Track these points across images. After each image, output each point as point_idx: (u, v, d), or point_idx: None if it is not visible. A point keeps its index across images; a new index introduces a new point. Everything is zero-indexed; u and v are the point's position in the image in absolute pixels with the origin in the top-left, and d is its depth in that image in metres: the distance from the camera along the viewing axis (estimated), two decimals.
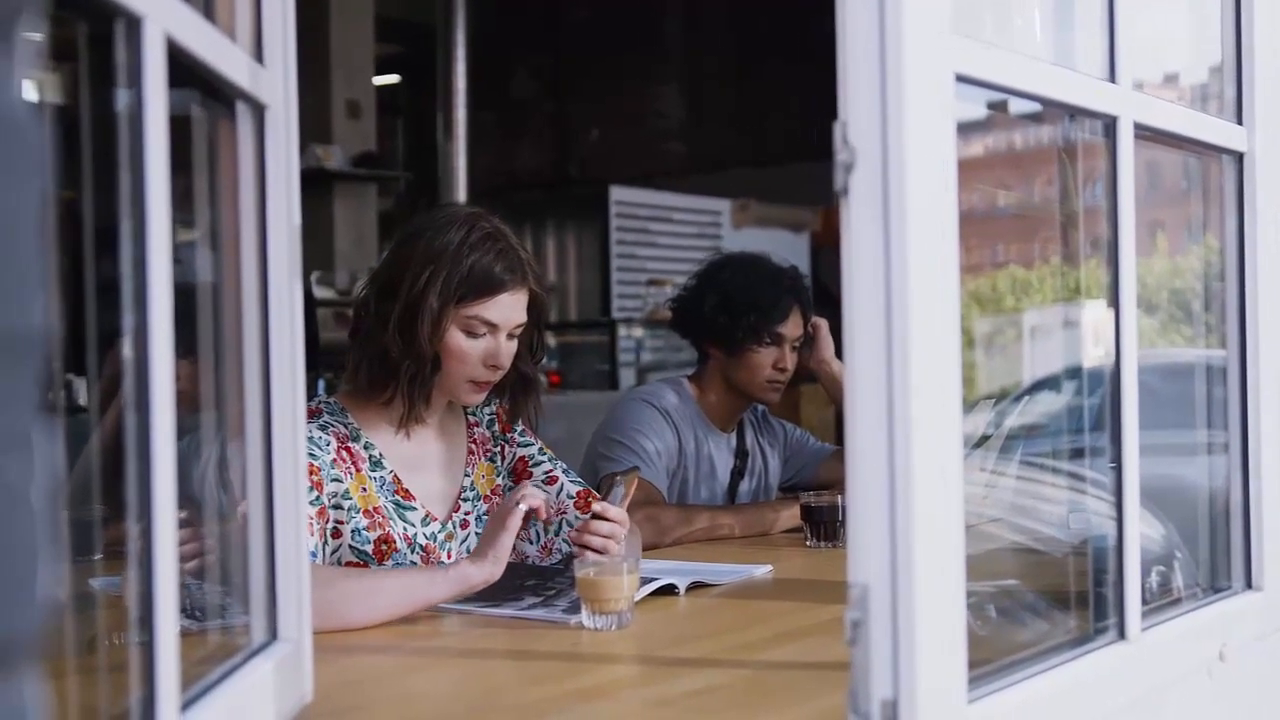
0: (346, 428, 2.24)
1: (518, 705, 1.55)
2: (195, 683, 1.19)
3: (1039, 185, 2.12)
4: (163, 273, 1.03)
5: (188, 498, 1.18)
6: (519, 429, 2.45)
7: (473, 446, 2.40)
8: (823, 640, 1.82)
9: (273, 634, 1.40)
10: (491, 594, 2.06)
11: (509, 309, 2.23)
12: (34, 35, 0.60)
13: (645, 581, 2.07)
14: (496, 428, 2.44)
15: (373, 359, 2.23)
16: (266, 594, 1.39)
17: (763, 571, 2.38)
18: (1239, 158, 1.85)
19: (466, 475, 2.37)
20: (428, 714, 1.58)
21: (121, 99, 1.03)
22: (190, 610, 1.34)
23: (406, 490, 2.26)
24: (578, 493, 2.38)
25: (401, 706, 1.62)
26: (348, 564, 2.17)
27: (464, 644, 1.84)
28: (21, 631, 0.57)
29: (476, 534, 2.33)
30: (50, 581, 0.59)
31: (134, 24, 1.00)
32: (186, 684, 1.10)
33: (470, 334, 2.21)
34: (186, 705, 1.11)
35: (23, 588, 0.57)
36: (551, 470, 2.42)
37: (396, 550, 2.21)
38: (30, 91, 0.59)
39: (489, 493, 2.39)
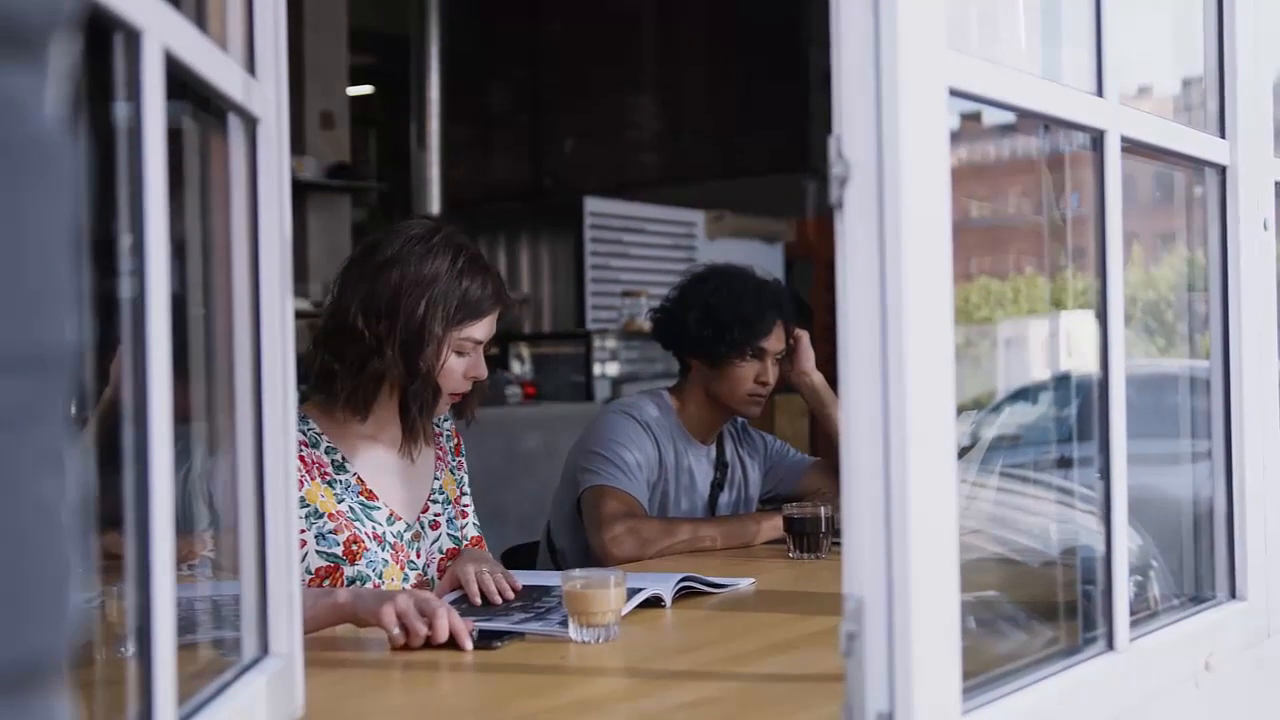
0: (305, 434, 2.28)
1: (510, 719, 1.55)
2: (188, 699, 1.18)
3: (1012, 197, 2.13)
4: (160, 284, 1.02)
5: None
6: (463, 453, 2.56)
7: (439, 454, 2.47)
8: (811, 652, 1.82)
9: (264, 649, 1.39)
10: (481, 611, 2.06)
11: (491, 326, 2.34)
12: (66, 51, 0.60)
13: (632, 593, 2.07)
14: (452, 444, 2.53)
15: (370, 381, 2.26)
16: (258, 609, 1.39)
17: (747, 584, 2.38)
18: (1222, 170, 1.86)
19: (436, 479, 2.44)
20: None
21: (119, 111, 1.02)
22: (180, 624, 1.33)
23: (370, 491, 2.31)
24: (473, 537, 2.49)
25: None
26: (317, 570, 2.19)
27: (453, 658, 1.83)
28: (55, 648, 0.57)
29: (449, 534, 2.41)
30: (79, 599, 0.59)
31: (133, 37, 0.99)
32: (179, 699, 1.09)
33: (459, 353, 2.30)
34: None
35: (57, 605, 0.57)
36: (468, 506, 2.53)
37: (367, 549, 2.25)
38: (62, 108, 0.59)
39: (455, 499, 2.47)
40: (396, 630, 1.85)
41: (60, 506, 0.57)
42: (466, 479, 2.55)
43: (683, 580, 2.22)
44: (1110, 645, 1.55)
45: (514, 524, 4.90)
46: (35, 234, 0.56)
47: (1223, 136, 1.87)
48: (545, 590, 2.21)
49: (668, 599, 2.15)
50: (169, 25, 1.06)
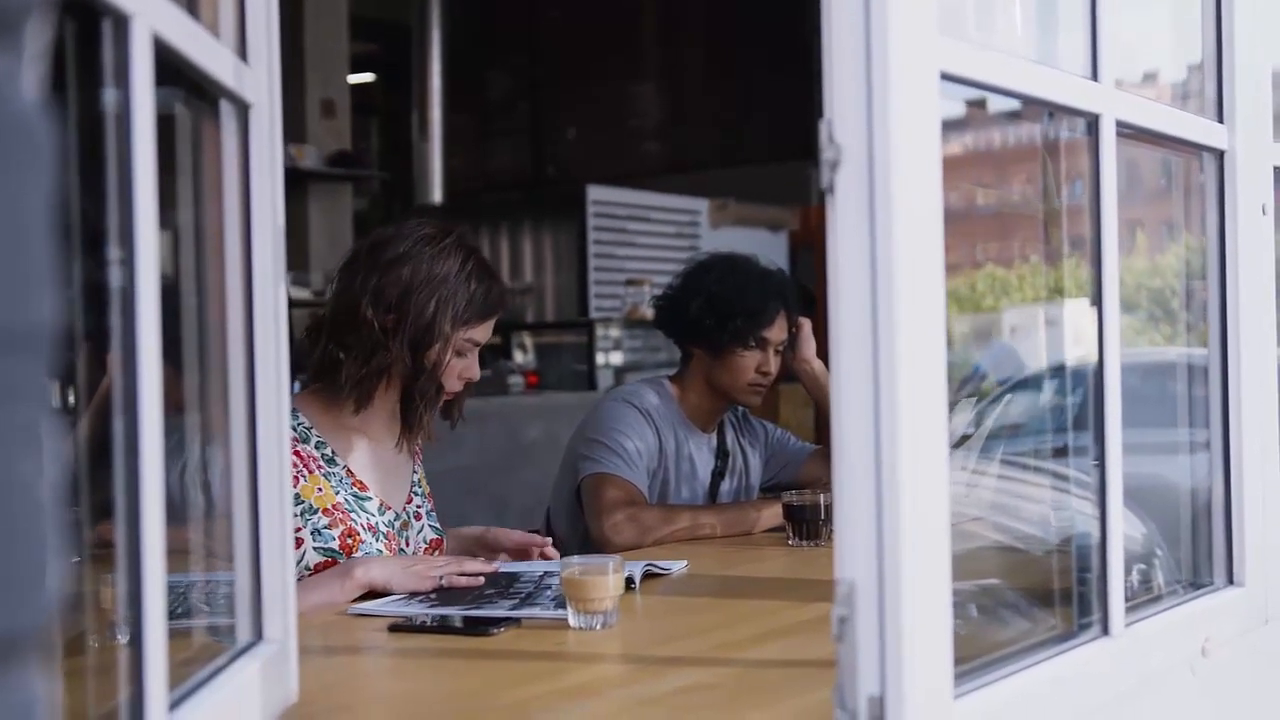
0: (295, 429, 2.29)
1: (504, 705, 1.55)
2: (181, 683, 1.18)
3: (1017, 184, 2.13)
4: (150, 273, 1.02)
5: (168, 499, 1.17)
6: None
7: (417, 450, 2.51)
8: (807, 638, 1.82)
9: (258, 634, 1.39)
10: (465, 600, 2.06)
11: (490, 329, 2.40)
12: (41, 33, 0.60)
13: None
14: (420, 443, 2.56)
15: (374, 373, 2.29)
16: (251, 595, 1.39)
17: (679, 567, 2.39)
18: (1219, 155, 1.86)
19: (415, 472, 2.49)
20: (413, 714, 1.58)
21: (108, 97, 1.02)
22: (174, 610, 1.34)
23: (361, 482, 2.35)
24: (432, 540, 2.49)
25: (386, 707, 1.62)
26: (316, 565, 2.20)
27: (449, 644, 1.83)
28: (32, 626, 0.57)
29: (430, 525, 2.47)
30: (58, 576, 0.60)
31: (122, 22, 0.99)
32: (172, 684, 1.10)
33: (459, 354, 2.34)
34: (174, 705, 1.11)
35: (33, 583, 0.57)
36: (430, 505, 2.55)
37: (363, 542, 2.29)
38: (38, 89, 0.59)
39: (429, 493, 2.53)
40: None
41: (38, 484, 0.58)
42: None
43: (647, 565, 2.28)
44: (1105, 630, 1.55)
45: (515, 513, 4.91)
46: (11, 214, 0.56)
47: (1221, 121, 1.86)
48: (515, 576, 2.22)
49: (637, 580, 2.19)
50: (158, 10, 1.06)
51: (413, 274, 2.28)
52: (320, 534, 2.24)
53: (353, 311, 2.28)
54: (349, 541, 2.26)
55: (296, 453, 2.26)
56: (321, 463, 2.30)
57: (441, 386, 2.33)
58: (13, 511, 0.56)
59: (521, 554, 2.45)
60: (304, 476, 2.25)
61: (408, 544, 2.40)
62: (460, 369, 2.35)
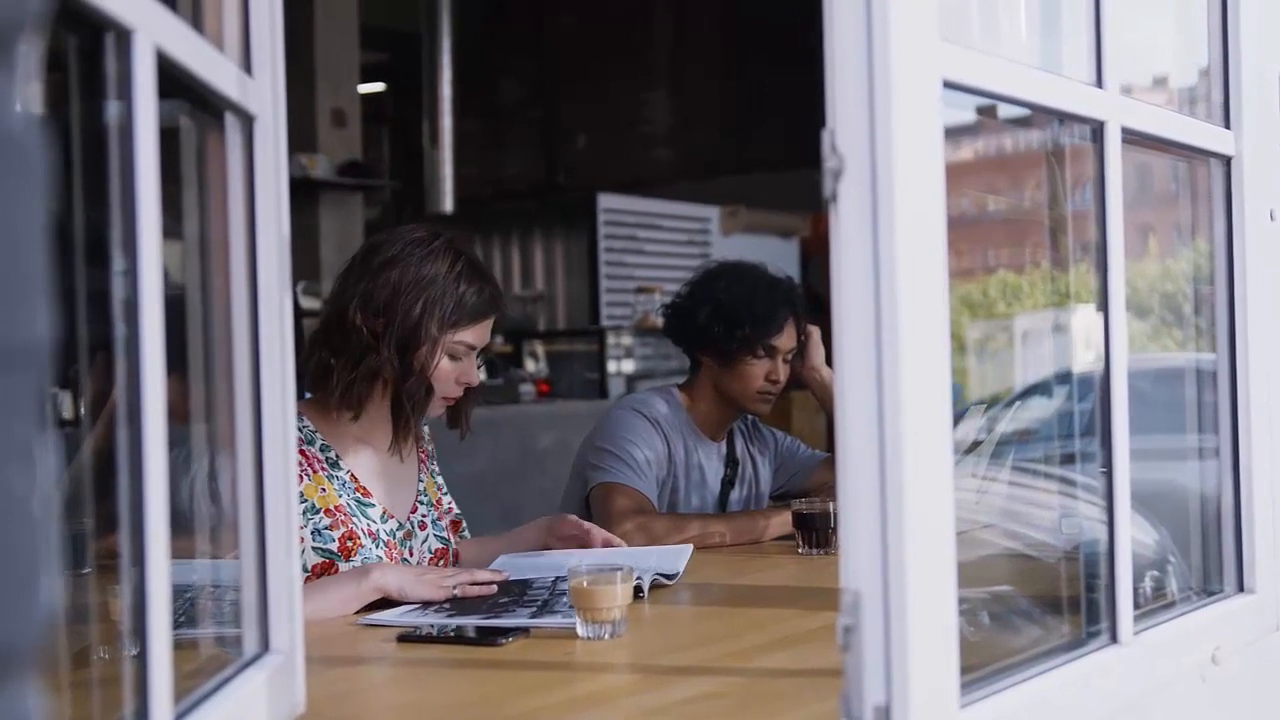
0: (300, 431, 2.30)
1: (512, 715, 1.55)
2: (187, 695, 1.18)
3: (1029, 190, 2.12)
4: (154, 285, 1.03)
5: (177, 511, 1.18)
6: (434, 459, 2.58)
7: (423, 457, 2.52)
8: (815, 647, 1.81)
9: (265, 646, 1.39)
10: (480, 610, 2.06)
11: (484, 333, 2.38)
12: (34, 49, 0.61)
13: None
14: (431, 449, 2.57)
15: (364, 378, 2.30)
16: (258, 606, 1.39)
17: (685, 554, 2.43)
18: (1227, 161, 1.85)
19: (420, 480, 2.48)
20: None
21: (111, 110, 1.02)
22: (179, 621, 1.34)
23: (364, 488, 2.35)
24: (437, 549, 2.48)
25: (394, 717, 1.62)
26: (314, 566, 2.22)
27: (457, 655, 1.83)
28: (24, 640, 0.57)
29: (435, 535, 2.46)
30: (52, 591, 0.60)
31: (124, 36, 0.99)
32: (178, 696, 1.10)
33: (452, 357, 2.34)
34: (179, 718, 1.11)
35: (26, 597, 0.57)
36: (451, 503, 2.57)
37: (362, 546, 2.29)
38: (31, 105, 0.60)
39: (436, 501, 2.51)
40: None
41: (31, 499, 0.58)
42: (441, 479, 2.59)
43: (654, 578, 2.26)
44: (1114, 638, 1.54)
45: (527, 521, 4.90)
46: (5, 231, 0.56)
47: (1228, 127, 1.86)
48: (527, 584, 2.22)
49: (645, 588, 2.18)
50: (161, 24, 1.06)
51: (401, 276, 2.29)
52: (321, 534, 2.25)
53: (342, 317, 2.30)
54: (348, 544, 2.26)
55: (301, 452, 2.27)
56: (326, 465, 2.31)
57: (431, 389, 2.32)
58: (6, 527, 0.56)
59: (580, 543, 2.48)
60: (308, 475, 2.26)
61: (411, 553, 2.39)
62: (456, 373, 2.34)
